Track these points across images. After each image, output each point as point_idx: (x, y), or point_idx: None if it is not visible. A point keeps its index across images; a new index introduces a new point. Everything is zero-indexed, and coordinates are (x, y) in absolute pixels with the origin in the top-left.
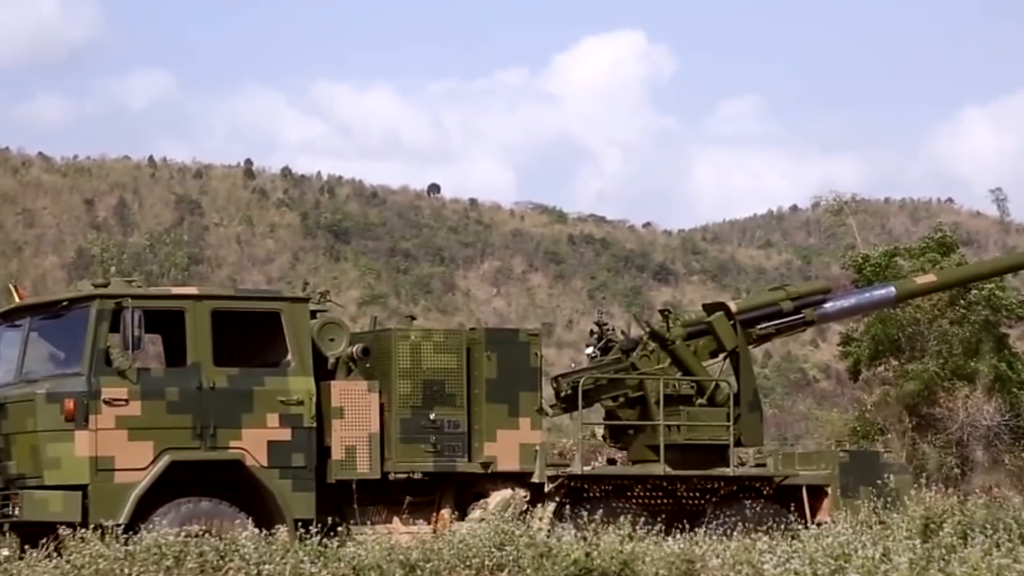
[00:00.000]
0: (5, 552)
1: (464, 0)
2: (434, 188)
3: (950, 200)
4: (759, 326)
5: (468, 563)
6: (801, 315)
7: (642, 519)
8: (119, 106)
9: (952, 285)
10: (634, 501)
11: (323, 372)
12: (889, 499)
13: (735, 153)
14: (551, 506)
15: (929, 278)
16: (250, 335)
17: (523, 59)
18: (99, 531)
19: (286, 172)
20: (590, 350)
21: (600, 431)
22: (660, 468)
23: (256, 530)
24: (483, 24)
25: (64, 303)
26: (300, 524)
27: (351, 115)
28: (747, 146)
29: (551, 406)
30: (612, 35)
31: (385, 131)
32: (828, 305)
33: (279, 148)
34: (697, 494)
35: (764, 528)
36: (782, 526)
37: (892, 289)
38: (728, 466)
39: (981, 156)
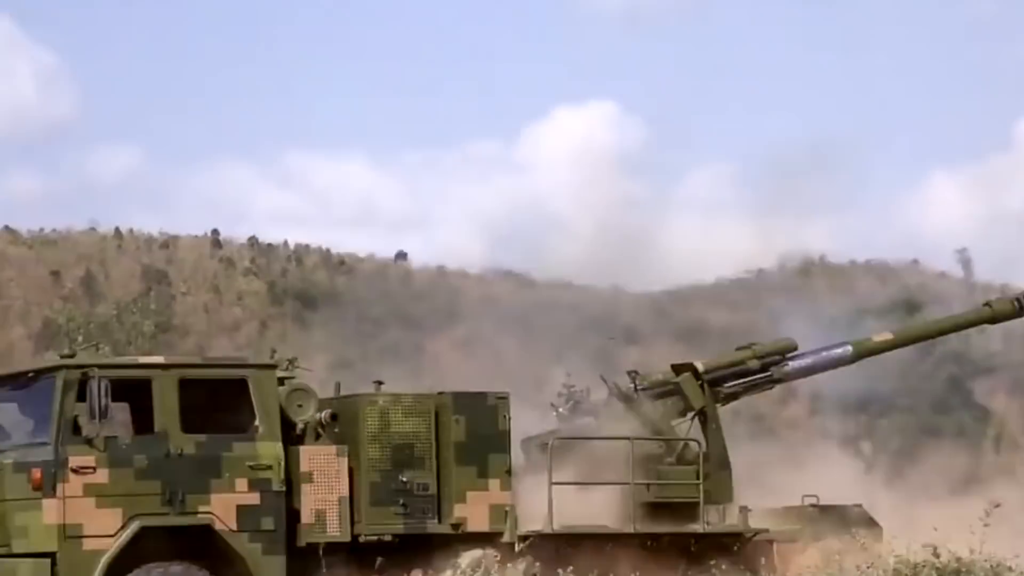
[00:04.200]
0: None
1: (438, 71)
2: (401, 255)
3: (915, 261)
4: (727, 385)
5: None
6: (769, 373)
7: None
8: (88, 179)
9: (910, 342)
10: (606, 559)
11: (292, 437)
12: (861, 552)
13: (704, 219)
14: (522, 565)
15: (886, 336)
16: (218, 402)
17: (495, 129)
18: None
19: (253, 241)
20: (558, 411)
21: None
22: (631, 526)
23: None
24: (455, 94)
25: (30, 374)
26: None
27: (319, 185)
28: (716, 212)
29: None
30: (584, 106)
31: (353, 200)
32: (788, 365)
33: (247, 218)
34: (669, 551)
35: None
36: None
37: (849, 348)
38: (698, 523)
39: (948, 220)
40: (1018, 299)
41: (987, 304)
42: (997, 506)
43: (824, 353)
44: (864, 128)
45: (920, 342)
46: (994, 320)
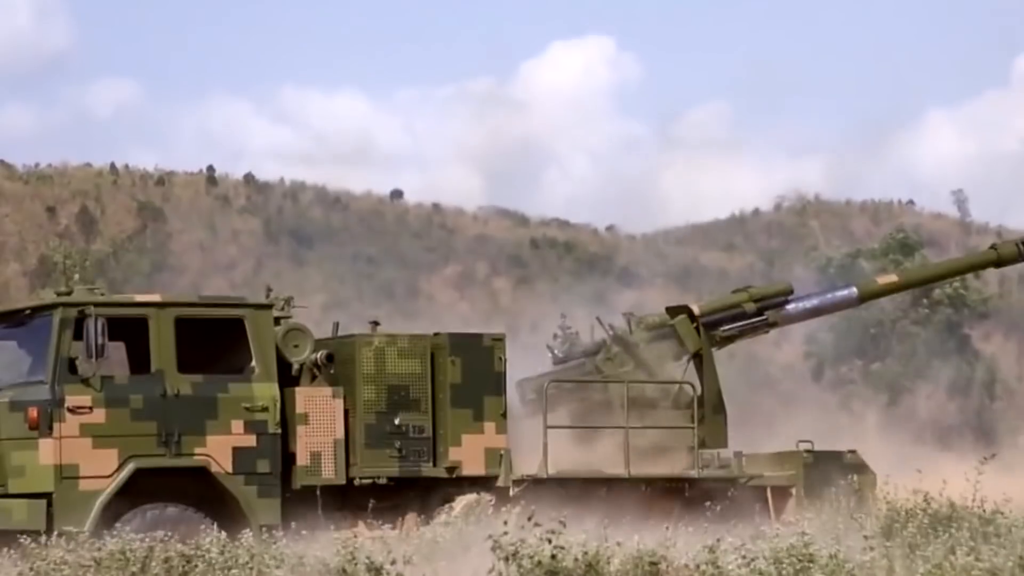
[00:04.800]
0: None
1: (434, 7)
2: (396, 193)
3: (911, 202)
4: (722, 328)
5: (433, 565)
6: (764, 316)
7: (607, 521)
8: (84, 114)
9: (914, 285)
10: (600, 503)
11: (287, 378)
12: (854, 499)
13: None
14: (516, 509)
15: (891, 278)
16: (214, 342)
17: (491, 66)
18: (63, 538)
19: (249, 178)
20: (553, 354)
21: None
22: (625, 471)
23: (221, 535)
24: (451, 30)
25: (27, 311)
26: (265, 530)
27: (316, 122)
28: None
29: None
30: (582, 41)
31: (349, 138)
32: (790, 306)
33: (243, 155)
34: (662, 496)
35: (729, 529)
36: (747, 527)
37: (854, 290)
38: (693, 468)
39: (944, 159)
40: (1022, 242)
41: (993, 247)
42: (993, 455)
43: (829, 295)
44: (861, 66)
45: (925, 284)
46: (999, 263)
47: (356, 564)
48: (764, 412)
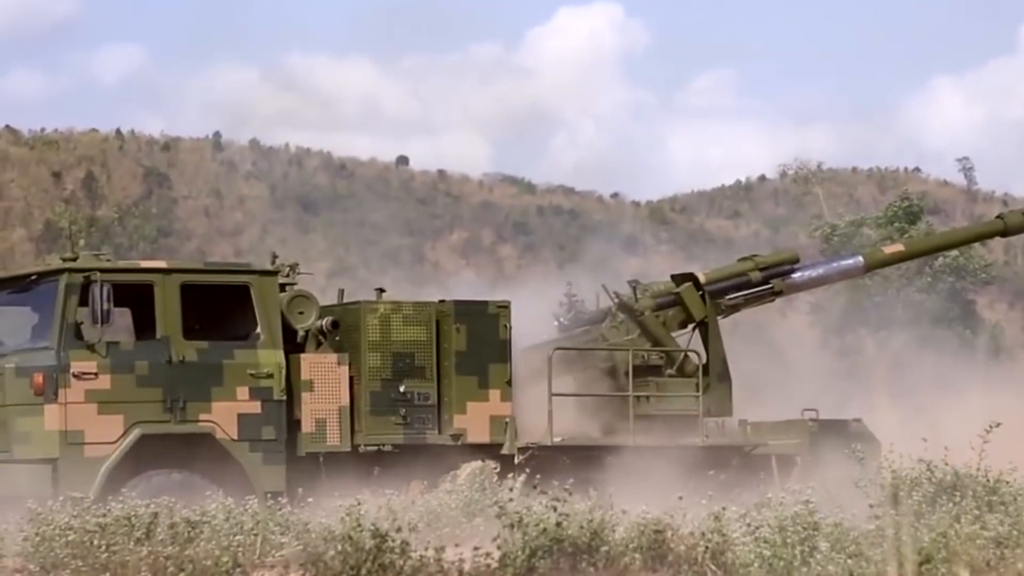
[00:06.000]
0: None
1: None
2: (402, 160)
3: (917, 170)
4: (728, 296)
5: (438, 533)
6: (770, 285)
7: (612, 489)
8: (91, 80)
9: (920, 254)
10: (605, 471)
11: (293, 345)
12: (859, 467)
13: (707, 125)
14: (521, 477)
15: (897, 247)
16: (219, 308)
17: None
18: (69, 504)
19: (254, 144)
20: (559, 322)
21: None
22: (630, 439)
23: (227, 501)
24: None
25: (33, 277)
26: (270, 496)
27: (321, 87)
28: (719, 118)
29: None
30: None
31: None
32: (796, 275)
33: (248, 121)
34: (667, 464)
35: (734, 497)
36: (752, 495)
37: (860, 259)
38: (697, 436)
39: (950, 126)
40: None
41: (999, 216)
42: (997, 425)
43: (835, 264)
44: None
45: (932, 254)
46: (1005, 233)
47: (361, 531)
48: (769, 381)
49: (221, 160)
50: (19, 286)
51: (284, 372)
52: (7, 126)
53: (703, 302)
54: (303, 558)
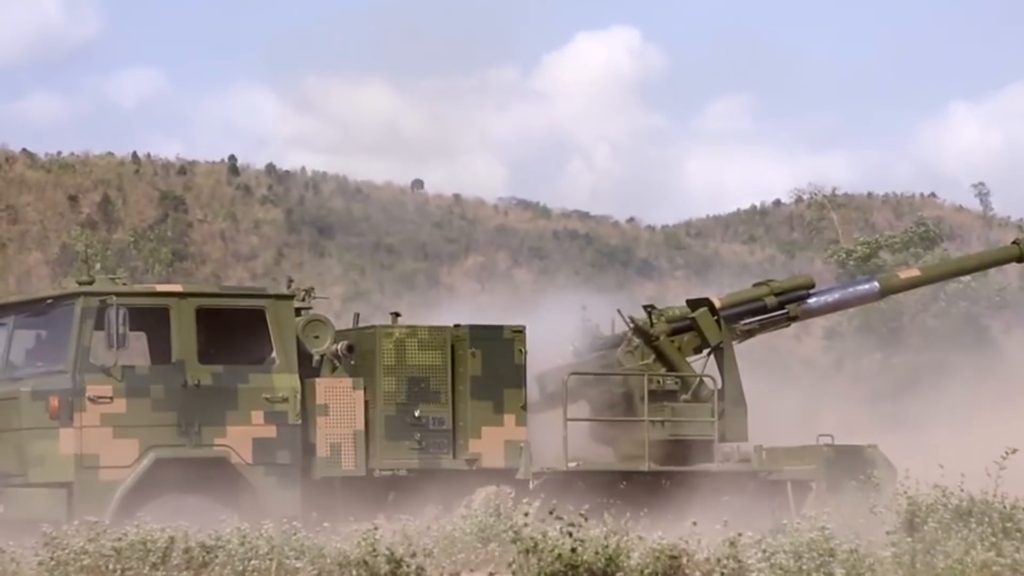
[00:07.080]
0: None
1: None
2: (418, 184)
3: (933, 195)
4: (743, 321)
5: (453, 558)
6: (785, 310)
7: (627, 514)
8: (107, 103)
9: (936, 279)
10: (619, 497)
11: (308, 369)
12: (874, 493)
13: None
14: (536, 502)
15: (913, 273)
16: (235, 332)
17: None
18: (84, 528)
19: (270, 168)
20: (574, 346)
21: None
22: (645, 464)
23: (242, 526)
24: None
25: (49, 301)
26: (285, 521)
27: (337, 111)
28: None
29: None
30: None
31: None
32: (812, 300)
33: (265, 145)
34: (682, 489)
35: (749, 523)
36: (768, 521)
37: (875, 284)
38: (713, 461)
39: (966, 152)
40: None
41: (1015, 242)
42: (1014, 451)
43: (850, 289)
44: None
45: (947, 279)
46: (1021, 258)
47: (376, 556)
48: (784, 406)
49: (237, 184)
50: (35, 309)
51: (299, 396)
52: (24, 149)
53: (718, 327)
54: None
